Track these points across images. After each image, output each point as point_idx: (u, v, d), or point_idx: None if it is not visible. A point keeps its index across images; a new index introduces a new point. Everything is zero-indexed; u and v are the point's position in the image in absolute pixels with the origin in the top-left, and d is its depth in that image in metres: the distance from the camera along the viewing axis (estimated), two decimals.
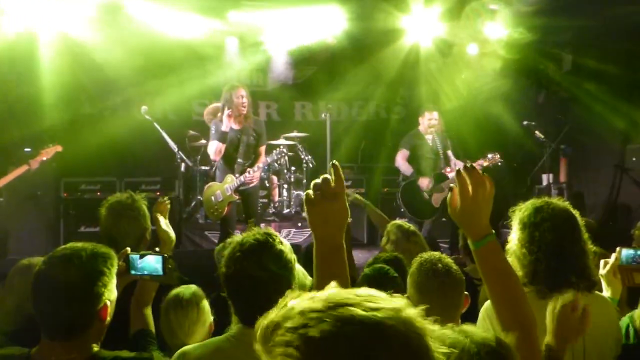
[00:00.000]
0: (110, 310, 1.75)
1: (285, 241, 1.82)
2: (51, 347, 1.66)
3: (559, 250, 1.93)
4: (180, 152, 6.14)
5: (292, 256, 1.79)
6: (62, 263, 1.70)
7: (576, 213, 2.05)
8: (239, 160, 5.60)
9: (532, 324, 1.53)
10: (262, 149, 5.77)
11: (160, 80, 8.86)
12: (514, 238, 2.03)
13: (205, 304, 2.36)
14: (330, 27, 8.21)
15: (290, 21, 8.07)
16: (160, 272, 2.10)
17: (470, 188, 1.49)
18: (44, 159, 5.94)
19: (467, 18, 7.93)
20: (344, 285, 0.94)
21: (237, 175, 5.56)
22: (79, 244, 1.77)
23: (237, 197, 5.61)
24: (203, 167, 7.88)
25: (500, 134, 8.31)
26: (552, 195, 7.31)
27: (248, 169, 5.52)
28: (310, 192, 1.49)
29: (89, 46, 7.44)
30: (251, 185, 5.73)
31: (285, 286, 1.71)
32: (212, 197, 5.70)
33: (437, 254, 2.19)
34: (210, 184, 5.80)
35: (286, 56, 9.33)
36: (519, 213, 2.06)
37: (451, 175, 6.78)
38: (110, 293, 1.76)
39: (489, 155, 6.33)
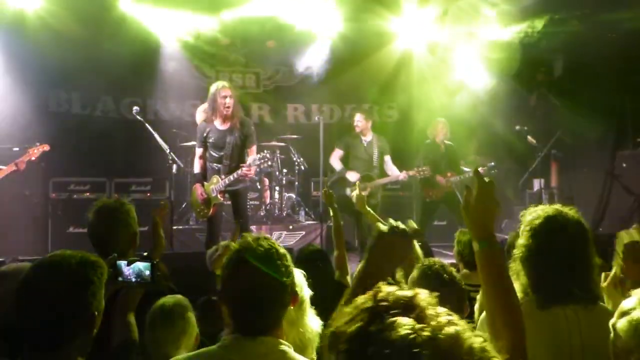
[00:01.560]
0: (97, 321, 1.70)
1: (283, 248, 1.75)
2: (34, 358, 1.61)
3: (569, 263, 1.89)
4: (171, 153, 6.09)
5: (291, 264, 1.73)
6: (50, 271, 1.64)
7: (587, 225, 2.02)
8: (225, 161, 5.53)
9: (522, 331, 1.54)
10: (252, 150, 5.62)
11: (152, 80, 8.84)
12: (522, 244, 1.97)
13: (192, 315, 2.31)
14: (324, 29, 8.22)
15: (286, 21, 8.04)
16: (149, 279, 2.05)
17: (482, 190, 1.58)
18: (32, 159, 5.88)
19: (459, 21, 7.96)
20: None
21: (222, 176, 5.48)
22: (68, 252, 1.71)
23: (222, 198, 5.58)
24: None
25: (491, 138, 8.34)
26: (543, 200, 7.37)
27: (241, 166, 5.38)
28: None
29: (80, 43, 7.38)
30: (240, 185, 5.64)
31: (285, 294, 1.67)
32: (198, 197, 5.64)
33: (439, 261, 2.17)
34: (197, 184, 5.70)
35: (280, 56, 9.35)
36: (530, 219, 2.00)
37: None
38: (99, 303, 1.70)
39: (419, 167, 6.47)
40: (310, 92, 9.23)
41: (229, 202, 5.83)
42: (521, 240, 2.00)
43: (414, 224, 1.71)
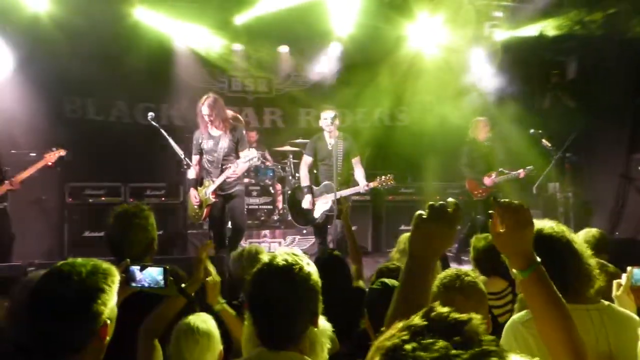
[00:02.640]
0: (109, 329, 1.69)
1: (311, 263, 1.77)
2: None
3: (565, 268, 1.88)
4: (186, 158, 6.14)
5: (318, 279, 1.75)
6: (60, 280, 1.64)
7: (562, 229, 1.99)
8: (217, 165, 5.82)
9: (584, 353, 1.46)
10: (243, 153, 5.85)
11: (165, 86, 8.92)
12: None
13: (216, 332, 2.30)
14: (336, 34, 8.25)
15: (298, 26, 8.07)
16: (162, 284, 2.05)
17: (506, 217, 1.49)
18: (49, 164, 6.02)
19: (471, 24, 7.94)
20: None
21: (214, 179, 5.80)
22: (79, 260, 1.70)
23: (214, 198, 5.80)
24: None
25: (504, 142, 8.29)
26: (558, 205, 7.32)
27: (229, 166, 5.71)
28: (423, 212, 1.48)
29: (94, 49, 7.47)
30: (235, 189, 5.88)
31: (311, 310, 1.70)
32: (193, 201, 5.95)
33: (462, 269, 2.15)
34: (191, 189, 6.01)
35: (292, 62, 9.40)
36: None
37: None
38: (111, 311, 1.69)
39: (382, 177, 6.11)
40: (323, 96, 9.25)
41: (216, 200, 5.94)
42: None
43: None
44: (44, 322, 1.60)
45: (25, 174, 5.84)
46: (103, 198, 7.32)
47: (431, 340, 0.80)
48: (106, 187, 7.42)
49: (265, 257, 1.76)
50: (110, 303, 1.69)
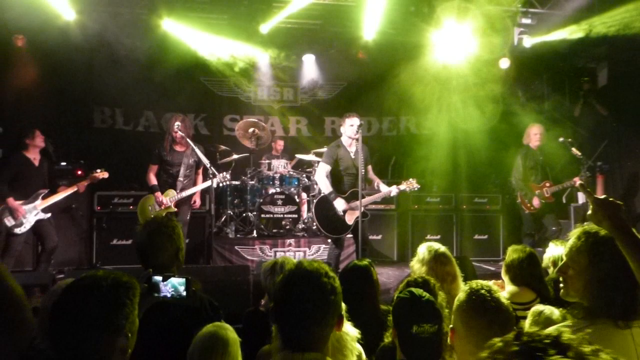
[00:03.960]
0: (131, 342, 1.69)
1: (333, 272, 1.86)
2: None
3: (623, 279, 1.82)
4: (211, 167, 6.18)
5: (339, 286, 1.83)
6: (81, 293, 1.64)
7: None
8: (180, 178, 6.41)
9: None
10: (200, 172, 6.61)
11: (192, 95, 9.04)
12: (580, 262, 1.90)
13: (233, 342, 2.27)
14: (362, 41, 8.24)
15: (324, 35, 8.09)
16: (184, 294, 2.07)
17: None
18: (93, 182, 6.42)
19: (499, 31, 7.85)
20: None
21: (177, 190, 6.38)
22: (100, 272, 1.71)
23: (175, 208, 6.34)
24: (234, 182, 7.93)
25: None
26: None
27: (194, 197, 6.51)
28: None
29: (123, 60, 7.60)
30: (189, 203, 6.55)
31: (333, 314, 1.77)
32: (150, 207, 6.34)
33: (487, 284, 2.09)
34: (148, 195, 6.48)
35: (317, 70, 9.44)
36: (588, 240, 1.91)
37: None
38: (132, 325, 1.70)
39: (407, 181, 6.06)
40: (348, 104, 9.26)
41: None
42: (577, 258, 1.91)
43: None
44: (65, 335, 1.61)
45: (71, 189, 6.22)
46: (131, 207, 7.41)
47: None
48: (134, 195, 7.51)
49: (292, 264, 1.89)
50: (131, 317, 1.69)
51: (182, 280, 2.09)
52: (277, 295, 1.80)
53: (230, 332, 2.27)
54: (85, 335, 1.59)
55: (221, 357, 2.15)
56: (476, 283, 2.08)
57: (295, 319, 1.75)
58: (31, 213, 5.92)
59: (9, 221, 5.79)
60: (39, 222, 6.00)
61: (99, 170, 6.40)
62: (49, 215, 6.09)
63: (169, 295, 2.08)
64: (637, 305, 1.82)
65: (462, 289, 2.08)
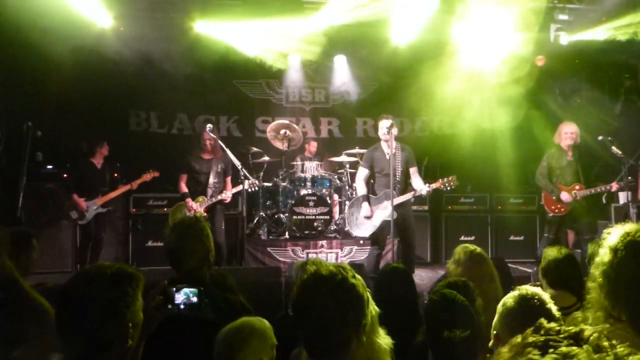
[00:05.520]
0: (134, 334, 1.70)
1: (358, 276, 1.77)
2: None
3: None
4: (243, 169, 6.22)
5: (365, 293, 1.74)
6: (85, 281, 1.68)
7: None
8: (209, 185, 6.62)
9: None
10: (229, 179, 6.81)
11: (224, 98, 9.11)
12: (615, 263, 1.77)
13: (266, 333, 2.24)
14: (395, 41, 8.16)
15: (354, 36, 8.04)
16: (197, 306, 2.06)
17: None
18: (146, 180, 7.13)
19: (536, 29, 7.66)
20: None
21: (208, 197, 6.60)
22: (107, 264, 1.75)
23: (205, 214, 6.38)
24: (266, 184, 7.96)
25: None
26: (631, 215, 6.88)
27: (224, 192, 6.63)
28: None
29: (157, 63, 7.71)
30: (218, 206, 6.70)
31: (354, 321, 1.68)
32: (180, 215, 6.56)
33: (536, 292, 2.01)
34: (179, 203, 6.79)
35: (349, 71, 9.39)
36: (624, 239, 1.79)
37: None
38: (134, 315, 1.71)
39: (444, 179, 5.91)
40: (380, 105, 9.18)
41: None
42: (609, 258, 1.80)
43: None
44: (68, 320, 1.64)
45: (125, 187, 7.11)
46: (165, 209, 7.52)
47: (568, 349, 0.85)
48: (168, 197, 7.62)
49: (311, 268, 1.81)
50: (133, 307, 1.70)
51: (195, 290, 2.08)
52: (293, 302, 1.75)
53: (259, 321, 2.23)
54: (87, 322, 1.61)
55: (244, 342, 2.11)
56: (526, 290, 2.00)
57: (310, 327, 1.68)
58: (91, 207, 6.88)
59: (73, 214, 6.85)
60: (97, 216, 6.93)
61: (150, 170, 7.12)
62: (107, 209, 7.03)
63: (182, 306, 2.07)
64: None
65: (511, 295, 2.00)
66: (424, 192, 5.94)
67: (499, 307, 1.97)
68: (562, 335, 0.88)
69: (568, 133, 6.47)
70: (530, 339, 0.89)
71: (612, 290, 1.75)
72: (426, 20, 7.67)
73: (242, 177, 6.18)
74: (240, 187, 6.42)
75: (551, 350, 0.85)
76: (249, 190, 6.55)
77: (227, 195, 6.62)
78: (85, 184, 6.91)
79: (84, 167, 7.01)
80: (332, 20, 7.69)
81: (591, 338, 0.86)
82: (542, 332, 0.90)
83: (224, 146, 6.31)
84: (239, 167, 6.17)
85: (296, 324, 1.72)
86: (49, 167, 7.61)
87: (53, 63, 7.19)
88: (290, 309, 1.79)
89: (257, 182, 6.56)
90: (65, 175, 7.51)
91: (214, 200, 6.56)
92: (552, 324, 0.91)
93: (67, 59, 7.11)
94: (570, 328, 0.89)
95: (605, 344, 0.85)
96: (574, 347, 0.84)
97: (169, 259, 2.59)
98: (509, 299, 1.96)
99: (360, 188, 6.19)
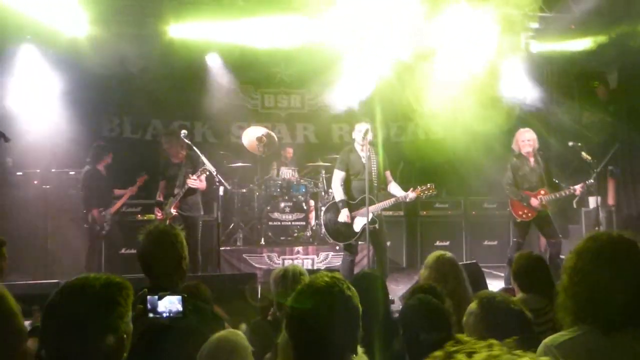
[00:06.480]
0: (126, 343, 1.66)
1: (352, 288, 1.75)
2: None
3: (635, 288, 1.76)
4: (218, 175, 6.17)
5: (358, 305, 1.72)
6: (74, 293, 1.63)
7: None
8: (176, 189, 6.41)
9: None
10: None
11: (199, 103, 9.05)
12: (584, 269, 1.81)
13: (248, 351, 2.22)
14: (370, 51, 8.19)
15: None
16: (181, 314, 2.00)
17: None
18: (139, 185, 7.37)
19: (508, 35, 7.80)
20: None
21: (174, 200, 6.41)
22: (92, 274, 1.71)
23: (175, 212, 6.37)
24: (241, 190, 7.92)
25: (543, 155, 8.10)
26: (600, 219, 7.03)
27: (192, 176, 6.28)
28: None
29: (130, 69, 7.62)
30: (193, 213, 6.50)
31: (350, 334, 1.66)
32: (157, 216, 6.48)
33: (498, 294, 2.05)
34: (157, 208, 6.60)
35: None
36: (591, 245, 1.84)
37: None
38: (127, 325, 1.67)
39: (423, 187, 5.90)
40: (355, 111, 9.23)
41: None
42: (577, 264, 1.85)
43: None
44: (58, 336, 1.58)
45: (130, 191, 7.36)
46: (139, 215, 7.42)
47: None
48: (142, 204, 7.52)
49: (307, 278, 1.79)
50: (126, 317, 1.67)
51: (179, 297, 2.01)
52: (289, 310, 1.71)
53: (241, 338, 2.22)
54: (78, 336, 1.56)
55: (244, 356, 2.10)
56: (484, 293, 2.04)
57: (306, 337, 1.64)
58: (107, 217, 7.10)
59: (94, 227, 7.01)
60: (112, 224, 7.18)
61: (144, 173, 7.34)
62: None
63: (165, 315, 2.01)
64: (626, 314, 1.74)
65: (474, 300, 2.03)
66: (407, 199, 5.96)
67: (466, 314, 1.99)
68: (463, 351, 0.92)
69: (525, 140, 6.41)
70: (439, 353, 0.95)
71: (576, 293, 1.79)
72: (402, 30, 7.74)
73: (217, 183, 6.13)
74: (204, 176, 6.28)
75: None
76: (193, 181, 6.31)
77: (191, 180, 6.26)
78: (98, 194, 7.04)
79: (97, 177, 7.10)
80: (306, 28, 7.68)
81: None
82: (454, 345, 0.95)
83: (198, 152, 6.25)
84: (214, 173, 6.12)
85: (292, 336, 1.68)
86: (19, 173, 7.45)
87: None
88: (285, 323, 1.73)
89: (227, 185, 6.43)
90: (35, 182, 7.36)
91: (181, 194, 6.35)
92: (466, 339, 0.96)
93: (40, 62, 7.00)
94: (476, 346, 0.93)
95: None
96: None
97: (141, 265, 2.55)
98: (473, 304, 1.99)
99: (338, 192, 6.04)
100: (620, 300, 1.72)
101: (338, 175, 6.09)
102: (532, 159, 6.44)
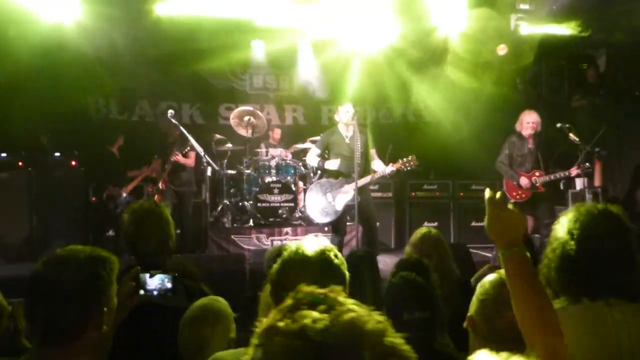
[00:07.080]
0: (108, 319, 1.65)
1: (340, 255, 1.72)
2: (43, 354, 1.58)
3: (615, 259, 1.76)
4: (206, 156, 6.13)
5: (346, 272, 1.69)
6: (58, 264, 1.62)
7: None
8: (166, 165, 6.61)
9: (560, 336, 1.49)
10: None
11: (186, 84, 8.95)
12: (563, 240, 1.83)
13: (231, 319, 2.21)
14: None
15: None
16: (171, 293, 2.00)
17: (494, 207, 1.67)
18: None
19: (497, 17, 7.76)
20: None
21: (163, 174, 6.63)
22: (79, 247, 1.70)
23: (162, 186, 6.55)
24: (230, 171, 7.87)
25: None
26: (587, 200, 7.08)
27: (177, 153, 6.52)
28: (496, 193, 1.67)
29: (116, 49, 7.48)
30: (183, 188, 6.72)
31: None
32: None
33: None
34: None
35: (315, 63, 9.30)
36: (573, 216, 1.87)
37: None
38: (109, 300, 1.67)
39: (404, 159, 5.99)
40: (344, 93, 9.17)
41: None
42: (561, 235, 1.85)
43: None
44: (40, 306, 1.58)
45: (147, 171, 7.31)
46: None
47: (300, 314, 0.90)
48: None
49: (293, 247, 1.72)
50: (108, 291, 1.66)
51: (169, 276, 2.01)
52: (276, 276, 1.67)
53: (223, 305, 2.20)
54: (59, 306, 1.56)
55: (212, 328, 2.07)
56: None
57: None
58: (122, 196, 7.16)
59: (110, 205, 7.12)
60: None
61: (156, 156, 7.05)
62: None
63: (156, 293, 2.01)
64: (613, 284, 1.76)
65: (490, 279, 1.91)
66: (387, 172, 5.97)
67: (479, 290, 1.89)
68: (306, 299, 0.91)
69: (530, 122, 6.47)
70: (284, 304, 0.92)
71: (561, 265, 1.80)
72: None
73: (205, 164, 6.09)
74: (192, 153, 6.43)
75: (288, 314, 0.89)
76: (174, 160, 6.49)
77: (176, 156, 6.47)
78: (113, 174, 7.22)
79: (110, 158, 7.31)
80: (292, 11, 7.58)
81: (329, 299, 0.90)
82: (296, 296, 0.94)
83: (186, 133, 6.19)
84: (202, 155, 6.07)
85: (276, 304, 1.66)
86: (3, 155, 7.35)
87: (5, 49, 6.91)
88: (270, 291, 1.70)
89: (216, 166, 6.55)
90: (20, 164, 7.26)
91: (167, 169, 6.50)
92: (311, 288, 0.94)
93: (22, 47, 6.84)
94: (321, 291, 0.93)
95: (339, 304, 0.89)
96: (305, 311, 0.88)
97: (126, 244, 2.53)
98: (488, 283, 1.89)
99: (315, 160, 6.28)
100: (603, 270, 1.74)
101: (313, 151, 6.31)
102: (531, 141, 6.51)
